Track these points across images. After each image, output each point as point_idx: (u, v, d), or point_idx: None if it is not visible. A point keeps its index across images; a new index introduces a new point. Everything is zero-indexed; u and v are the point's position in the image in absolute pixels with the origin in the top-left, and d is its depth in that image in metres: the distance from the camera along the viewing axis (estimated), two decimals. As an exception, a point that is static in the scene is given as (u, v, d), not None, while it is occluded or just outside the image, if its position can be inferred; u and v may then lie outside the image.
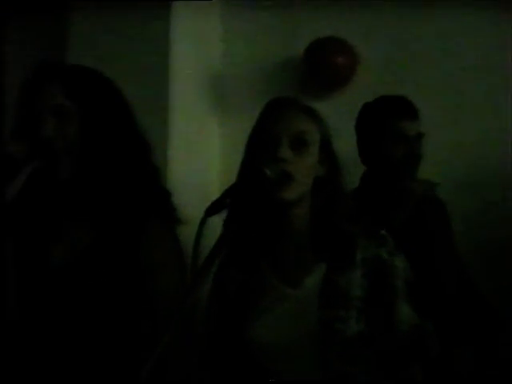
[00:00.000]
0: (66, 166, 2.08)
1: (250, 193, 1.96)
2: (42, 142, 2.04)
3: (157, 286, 2.11)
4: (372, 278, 2.05)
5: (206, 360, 2.16)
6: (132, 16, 3.17)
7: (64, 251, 2.12)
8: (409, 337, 2.06)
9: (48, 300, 2.10)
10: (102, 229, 2.11)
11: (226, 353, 2.13)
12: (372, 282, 2.05)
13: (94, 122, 2.11)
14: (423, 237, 2.70)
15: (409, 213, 2.73)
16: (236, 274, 2.12)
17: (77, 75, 2.16)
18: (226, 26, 3.43)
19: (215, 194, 3.19)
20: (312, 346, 2.01)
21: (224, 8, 3.42)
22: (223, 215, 1.96)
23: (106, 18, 3.18)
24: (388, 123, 2.72)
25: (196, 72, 3.33)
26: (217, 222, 1.92)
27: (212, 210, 1.87)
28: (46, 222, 2.14)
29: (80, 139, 2.09)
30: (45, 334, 2.10)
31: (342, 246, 2.06)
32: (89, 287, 2.08)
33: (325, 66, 3.21)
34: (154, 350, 1.62)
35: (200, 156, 3.30)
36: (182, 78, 3.21)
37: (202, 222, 1.81)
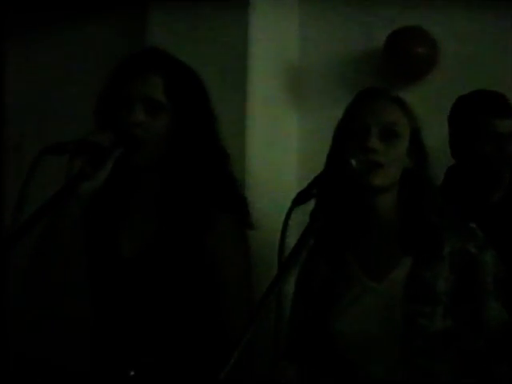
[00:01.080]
0: (143, 156, 2.09)
1: (337, 183, 1.94)
2: (128, 128, 2.05)
3: (222, 281, 2.13)
4: (460, 273, 2.02)
5: (291, 352, 2.15)
6: (210, 9, 3.17)
7: (132, 241, 2.14)
8: (497, 334, 2.02)
9: (121, 290, 2.13)
10: (168, 221, 2.12)
11: (311, 345, 2.13)
12: (459, 277, 2.02)
13: (186, 125, 2.12)
14: None
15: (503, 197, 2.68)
16: (322, 266, 2.12)
17: (178, 72, 2.16)
18: (304, 17, 3.39)
19: (292, 186, 3.26)
20: (395, 341, 1.99)
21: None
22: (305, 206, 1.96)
23: (185, 8, 3.19)
24: (481, 119, 2.67)
25: (274, 64, 3.30)
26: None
27: (299, 200, 1.86)
28: (117, 209, 2.17)
29: (168, 136, 2.11)
30: (118, 323, 2.12)
31: (430, 240, 2.03)
32: (158, 278, 2.10)
33: (405, 56, 3.16)
34: (234, 347, 1.60)
35: (278, 148, 3.27)
36: (260, 70, 3.19)
37: (289, 213, 1.80)
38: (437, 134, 2.74)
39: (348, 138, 2.05)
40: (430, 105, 2.95)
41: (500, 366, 2.02)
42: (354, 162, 1.96)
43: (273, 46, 3.29)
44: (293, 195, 3.18)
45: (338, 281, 2.09)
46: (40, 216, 1.79)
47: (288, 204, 3.10)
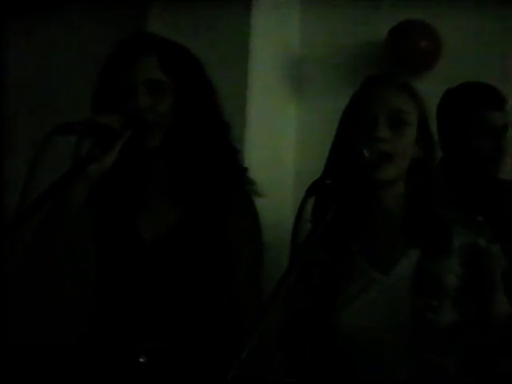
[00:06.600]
0: (154, 138, 2.07)
1: (348, 174, 1.91)
2: (136, 113, 2.03)
3: (240, 260, 2.13)
4: (469, 266, 1.99)
5: (284, 342, 2.12)
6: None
7: (153, 226, 2.12)
8: (505, 328, 2.00)
9: (139, 275, 2.10)
10: (189, 204, 2.11)
11: (310, 337, 2.09)
12: (468, 271, 1.99)
13: (188, 99, 2.10)
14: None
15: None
16: (323, 258, 2.08)
17: (172, 50, 2.15)
18: (306, 8, 3.37)
19: (291, 178, 3.24)
20: (401, 334, 1.96)
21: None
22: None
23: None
24: (473, 112, 2.63)
25: (275, 55, 3.30)
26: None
27: (313, 190, 1.82)
28: (134, 194, 2.14)
29: (173, 114, 2.09)
30: (128, 307, 2.09)
31: (438, 233, 2.00)
32: (180, 263, 2.09)
33: (408, 50, 3.15)
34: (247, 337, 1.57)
35: (277, 138, 3.29)
36: (260, 60, 3.18)
37: (303, 203, 1.76)
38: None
39: (355, 127, 2.01)
40: (432, 99, 2.92)
41: (506, 359, 2.01)
42: (366, 153, 1.92)
43: (274, 36, 3.28)
44: (291, 187, 3.24)
45: (341, 272, 2.04)
46: (47, 197, 1.75)
47: (286, 196, 3.17)
